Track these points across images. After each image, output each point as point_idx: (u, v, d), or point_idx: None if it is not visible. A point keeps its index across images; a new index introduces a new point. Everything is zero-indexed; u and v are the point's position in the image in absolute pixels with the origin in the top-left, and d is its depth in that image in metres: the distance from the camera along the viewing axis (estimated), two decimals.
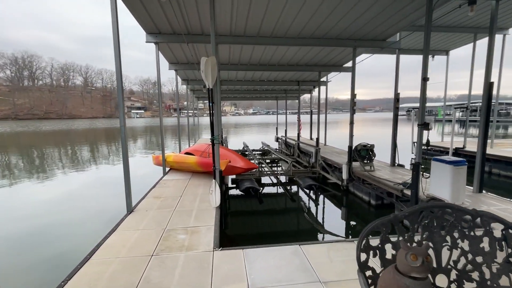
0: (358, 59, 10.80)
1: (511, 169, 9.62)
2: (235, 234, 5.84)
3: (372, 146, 7.92)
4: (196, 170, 7.21)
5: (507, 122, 42.62)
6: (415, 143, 14.76)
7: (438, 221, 1.75)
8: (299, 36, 7.33)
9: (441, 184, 4.82)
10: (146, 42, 6.84)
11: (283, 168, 12.03)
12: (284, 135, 17.40)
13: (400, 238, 1.70)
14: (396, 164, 8.48)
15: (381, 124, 51.63)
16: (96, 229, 5.94)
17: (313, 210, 7.39)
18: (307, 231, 5.99)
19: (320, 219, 6.75)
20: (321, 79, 14.18)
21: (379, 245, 1.71)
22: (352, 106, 7.96)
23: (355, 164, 8.15)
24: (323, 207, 7.70)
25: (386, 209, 6.96)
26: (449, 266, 1.73)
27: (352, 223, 6.64)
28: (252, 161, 11.03)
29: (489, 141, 13.43)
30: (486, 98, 5.34)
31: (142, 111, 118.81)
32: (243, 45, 7.82)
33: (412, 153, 15.29)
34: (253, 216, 6.94)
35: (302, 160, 12.88)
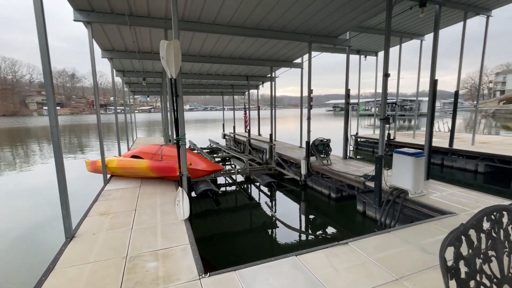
0: (305, 57, 11.07)
1: (434, 157, 11.20)
2: (212, 250, 5.14)
3: (329, 140, 8.13)
4: (148, 175, 6.19)
5: (411, 116, 50.70)
6: (353, 136, 15.96)
7: (498, 226, 1.58)
8: (257, 27, 6.94)
9: (403, 175, 5.12)
10: (75, 20, 5.47)
11: (236, 166, 11.60)
12: (232, 131, 16.95)
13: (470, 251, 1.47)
14: (347, 157, 8.95)
15: (313, 119, 55.73)
16: (20, 270, 4.50)
17: (279, 208, 7.20)
18: (284, 232, 5.72)
19: (288, 217, 6.57)
20: (268, 75, 14.19)
21: (454, 264, 1.43)
22: (309, 101, 8.01)
23: (312, 158, 8.27)
24: (287, 204, 7.59)
25: (346, 201, 7.23)
26: (510, 274, 1.59)
27: (313, 217, 6.67)
28: None
29: (411, 132, 15.60)
30: (432, 94, 5.90)
31: (58, 107, 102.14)
32: (195, 32, 7.03)
33: (350, 145, 16.54)
34: (221, 222, 6.34)
35: (255, 157, 12.67)
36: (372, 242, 3.33)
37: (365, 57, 13.50)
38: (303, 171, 8.14)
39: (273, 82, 11.92)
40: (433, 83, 5.84)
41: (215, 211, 6.90)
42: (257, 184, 9.17)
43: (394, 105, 13.97)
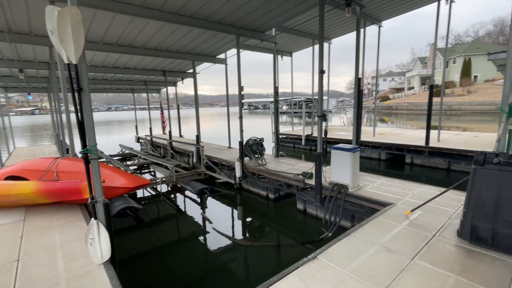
0: (229, 53, 10.56)
1: None
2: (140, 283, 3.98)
3: (262, 140, 7.87)
4: (37, 202, 4.46)
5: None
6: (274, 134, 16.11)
7: None
8: (179, 12, 5.96)
9: (342, 170, 5.22)
10: None
11: (156, 173, 10.18)
12: (148, 134, 14.96)
13: None
14: (278, 155, 8.93)
15: (233, 118, 56.25)
16: None
17: (216, 217, 6.44)
18: (227, 245, 5.03)
19: (227, 225, 5.92)
20: (189, 71, 13.05)
21: None
22: (240, 99, 7.53)
23: (246, 159, 7.87)
24: (224, 211, 6.91)
25: (285, 200, 7.10)
26: None
27: (253, 221, 6.28)
28: None
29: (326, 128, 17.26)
30: (357, 91, 6.30)
31: None
32: (97, 11, 5.51)
33: (273, 142, 16.98)
34: (147, 245, 5.14)
35: (180, 161, 11.43)
36: (339, 250, 3.07)
37: (282, 57, 14.01)
38: (238, 173, 7.64)
39: (195, 79, 10.94)
40: (358, 81, 6.24)
41: (138, 232, 5.65)
42: (187, 192, 8.16)
43: (310, 102, 15.02)
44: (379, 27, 11.53)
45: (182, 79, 13.69)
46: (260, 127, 27.61)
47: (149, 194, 8.29)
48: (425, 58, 74.54)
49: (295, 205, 6.37)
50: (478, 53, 50.66)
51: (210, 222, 5.97)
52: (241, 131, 7.62)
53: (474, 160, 3.14)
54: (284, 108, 60.18)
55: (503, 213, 2.87)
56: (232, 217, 6.59)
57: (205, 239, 5.36)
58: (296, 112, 46.45)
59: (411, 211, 3.95)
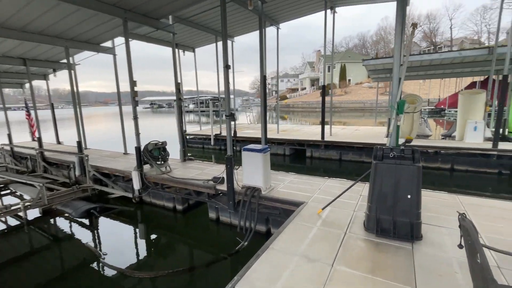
0: (116, 41, 8.91)
1: None
2: None
3: (164, 143, 6.86)
4: None
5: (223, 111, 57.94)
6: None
7: None
8: None
9: (254, 172, 4.94)
10: None
11: (24, 197, 7.67)
12: (7, 142, 11.15)
13: None
14: (186, 158, 8.07)
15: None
16: None
17: (114, 245, 5.10)
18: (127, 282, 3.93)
19: (124, 253, 4.76)
20: (63, 60, 10.39)
21: None
22: (133, 96, 6.29)
23: (146, 167, 6.72)
24: (121, 234, 5.60)
25: (194, 210, 6.38)
26: None
27: (158, 240, 5.35)
28: None
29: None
30: (263, 88, 6.16)
31: None
32: None
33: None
34: None
35: (56, 176, 8.96)
36: (259, 272, 2.67)
37: (184, 52, 13.04)
38: (136, 185, 6.42)
39: (72, 71, 8.70)
40: (263, 78, 6.11)
41: None
42: (67, 216, 6.32)
43: (217, 101, 14.57)
44: (277, 28, 12.09)
45: (55, 70, 10.80)
46: (166, 128, 25.45)
47: (8, 227, 6.02)
48: (313, 62, 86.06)
49: (207, 214, 5.77)
50: (349, 60, 61.90)
51: (99, 255, 4.66)
52: (137, 134, 6.42)
53: (374, 155, 3.30)
54: (191, 107, 58.10)
55: (400, 203, 3.10)
56: (132, 240, 5.43)
57: (91, 279, 4.10)
58: (203, 111, 45.51)
59: (322, 209, 3.98)
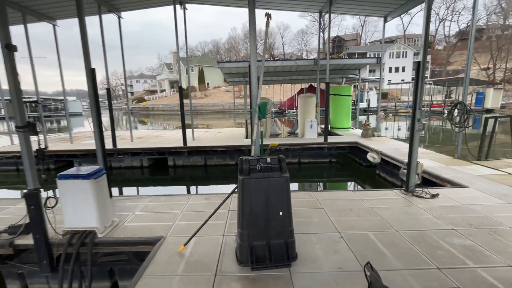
0: None
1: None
2: None
3: None
4: None
5: (59, 116, 45.53)
6: None
7: None
8: None
9: (82, 209, 3.35)
10: None
11: None
12: None
13: None
14: None
15: None
16: None
17: None
18: None
19: None
20: None
21: None
22: None
23: None
24: None
25: None
26: None
27: None
28: None
29: (65, 136, 13.06)
30: (91, 86, 4.48)
31: None
32: None
33: None
34: None
35: None
36: None
37: None
38: None
39: None
40: (90, 72, 4.44)
41: None
42: None
43: (35, 104, 10.65)
44: (119, 17, 10.08)
45: None
46: None
47: None
48: (170, 64, 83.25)
49: None
50: (206, 65, 64.03)
51: None
52: None
53: (239, 169, 2.70)
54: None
55: (273, 223, 2.64)
56: None
57: None
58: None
59: (185, 244, 3.06)
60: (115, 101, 73.68)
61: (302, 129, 11.53)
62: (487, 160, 6.70)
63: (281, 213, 2.64)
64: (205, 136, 12.40)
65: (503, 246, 2.91)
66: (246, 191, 2.61)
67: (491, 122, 6.75)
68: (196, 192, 8.31)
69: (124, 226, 3.69)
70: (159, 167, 10.31)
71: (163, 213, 4.06)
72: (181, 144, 10.01)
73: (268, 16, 3.06)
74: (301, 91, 27.84)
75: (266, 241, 2.63)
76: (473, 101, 32.13)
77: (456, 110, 6.36)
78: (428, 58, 57.15)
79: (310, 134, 10.94)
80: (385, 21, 10.71)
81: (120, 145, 10.36)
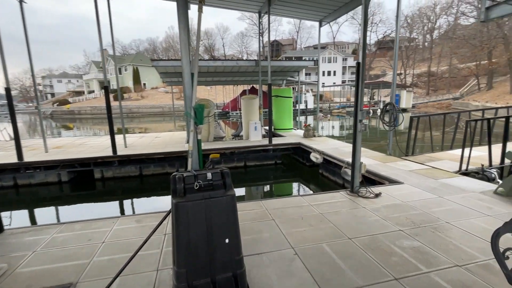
0: None
1: (1, 179, 8.13)
2: None
3: None
4: None
5: None
6: None
7: None
8: None
9: None
10: None
11: None
12: None
13: None
14: None
15: None
16: None
17: None
18: None
19: None
20: None
21: None
22: None
23: None
24: None
25: None
26: None
27: None
28: None
29: None
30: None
31: None
32: None
33: None
34: None
35: None
36: None
37: None
38: None
39: None
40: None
41: None
42: None
43: None
44: (21, 1, 8.24)
45: None
46: None
47: None
48: (100, 62, 74.97)
49: None
50: (142, 64, 59.41)
51: None
52: None
53: (172, 190, 2.13)
54: None
55: (218, 253, 2.14)
56: None
57: None
58: None
59: None
60: (29, 104, 62.71)
61: (247, 131, 11.25)
62: (414, 155, 7.38)
63: (227, 240, 2.16)
64: (140, 142, 11.13)
65: (445, 244, 2.97)
66: (181, 219, 2.05)
67: (415, 120, 7.48)
68: (132, 209, 7.25)
69: (15, 274, 2.72)
70: (82, 181, 8.76)
71: (77, 248, 3.17)
72: (110, 152, 8.69)
73: (201, 1, 2.55)
74: (244, 92, 27.80)
75: (211, 278, 2.12)
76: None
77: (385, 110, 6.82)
78: (354, 63, 63.82)
79: (255, 136, 10.72)
80: (320, 25, 11.17)
81: (30, 157, 8.49)
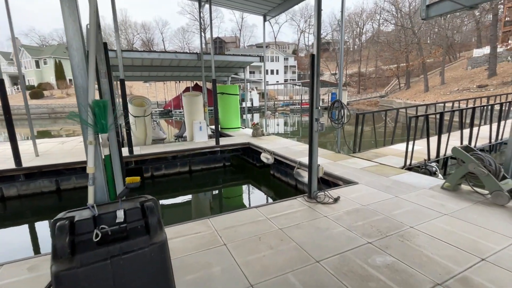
0: None
1: None
2: None
3: None
4: None
5: None
6: None
7: None
8: None
9: None
10: None
11: None
12: None
13: None
14: None
15: None
16: None
17: None
18: None
19: None
20: None
21: None
22: None
23: None
24: None
25: None
26: None
27: None
28: None
29: None
30: None
31: None
32: None
33: None
34: None
35: None
36: None
37: None
38: None
39: None
40: None
41: None
42: None
43: None
44: None
45: None
46: None
47: None
48: (10, 54, 63.24)
49: None
50: (66, 57, 51.82)
51: None
52: None
53: (52, 247, 1.25)
54: None
55: None
56: None
57: None
58: None
59: None
60: None
61: (191, 132, 10.23)
62: (360, 152, 7.47)
63: None
64: (59, 148, 9.17)
65: (418, 256, 2.68)
66: None
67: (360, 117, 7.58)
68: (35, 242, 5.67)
69: None
70: None
71: None
72: (13, 164, 6.82)
73: None
74: (187, 89, 26.17)
75: None
76: (330, 99, 39.33)
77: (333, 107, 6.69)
78: (295, 63, 66.66)
79: (200, 137, 9.79)
80: (265, 19, 10.75)
81: None
